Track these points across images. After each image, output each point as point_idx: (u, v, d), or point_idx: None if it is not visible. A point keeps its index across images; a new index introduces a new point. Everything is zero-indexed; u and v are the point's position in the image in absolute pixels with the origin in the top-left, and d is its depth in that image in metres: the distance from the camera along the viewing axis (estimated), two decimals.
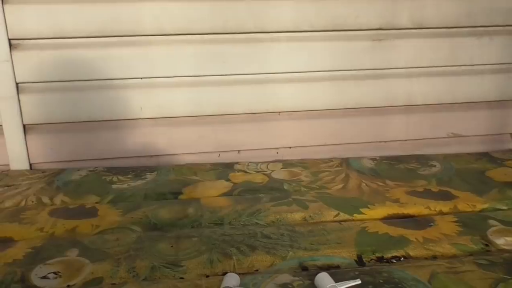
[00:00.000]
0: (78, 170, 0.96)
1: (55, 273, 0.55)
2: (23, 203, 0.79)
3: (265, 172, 0.95)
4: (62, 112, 0.99)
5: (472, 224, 0.67)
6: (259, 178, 0.91)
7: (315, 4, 1.02)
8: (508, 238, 0.62)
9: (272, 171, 0.96)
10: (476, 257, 0.57)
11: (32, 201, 0.80)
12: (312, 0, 1.01)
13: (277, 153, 1.11)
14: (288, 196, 0.79)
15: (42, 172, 0.95)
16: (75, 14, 0.94)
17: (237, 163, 1.02)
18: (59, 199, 0.81)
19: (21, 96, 0.97)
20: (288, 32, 1.03)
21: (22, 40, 0.94)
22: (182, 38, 0.99)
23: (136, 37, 0.97)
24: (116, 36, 0.97)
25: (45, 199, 0.80)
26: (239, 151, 1.09)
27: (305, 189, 0.84)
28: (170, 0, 0.96)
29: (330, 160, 1.03)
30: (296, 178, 0.91)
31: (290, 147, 1.11)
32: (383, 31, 1.07)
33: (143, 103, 1.02)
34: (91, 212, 0.74)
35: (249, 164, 1.01)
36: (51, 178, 0.91)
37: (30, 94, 0.97)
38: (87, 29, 0.95)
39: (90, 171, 0.96)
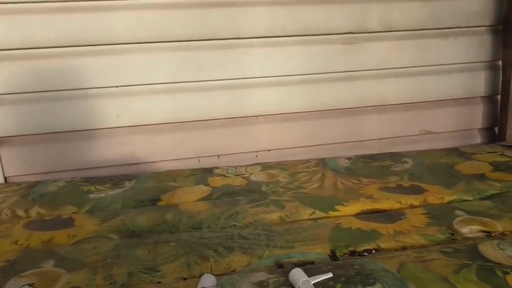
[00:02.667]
0: (55, 181, 0.95)
1: (29, 285, 0.54)
2: None
3: (244, 175, 0.96)
4: (37, 123, 0.98)
5: (440, 215, 0.70)
6: (238, 182, 0.92)
7: (287, 10, 1.05)
8: (472, 227, 0.65)
9: (251, 174, 0.97)
10: (442, 246, 0.60)
11: (7, 215, 0.78)
12: (284, 6, 1.04)
13: (257, 156, 1.12)
14: (266, 197, 0.81)
15: (17, 185, 0.94)
16: (46, 24, 0.93)
17: (216, 167, 1.03)
18: (34, 211, 0.79)
19: None
20: (262, 37, 1.05)
21: None
22: (157, 46, 1.00)
23: (111, 45, 0.97)
24: (89, 45, 0.96)
25: (20, 212, 0.79)
26: (218, 155, 1.10)
27: (282, 190, 0.86)
28: (144, 8, 0.97)
29: (308, 161, 1.05)
30: (274, 179, 0.92)
31: (269, 150, 1.13)
32: (354, 35, 1.10)
33: (120, 111, 1.02)
34: (68, 223, 0.74)
35: (228, 168, 1.02)
36: (26, 191, 0.89)
37: (2, 106, 0.96)
38: (59, 38, 0.94)
39: (67, 182, 0.95)
